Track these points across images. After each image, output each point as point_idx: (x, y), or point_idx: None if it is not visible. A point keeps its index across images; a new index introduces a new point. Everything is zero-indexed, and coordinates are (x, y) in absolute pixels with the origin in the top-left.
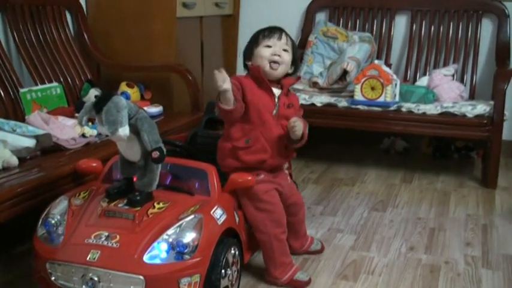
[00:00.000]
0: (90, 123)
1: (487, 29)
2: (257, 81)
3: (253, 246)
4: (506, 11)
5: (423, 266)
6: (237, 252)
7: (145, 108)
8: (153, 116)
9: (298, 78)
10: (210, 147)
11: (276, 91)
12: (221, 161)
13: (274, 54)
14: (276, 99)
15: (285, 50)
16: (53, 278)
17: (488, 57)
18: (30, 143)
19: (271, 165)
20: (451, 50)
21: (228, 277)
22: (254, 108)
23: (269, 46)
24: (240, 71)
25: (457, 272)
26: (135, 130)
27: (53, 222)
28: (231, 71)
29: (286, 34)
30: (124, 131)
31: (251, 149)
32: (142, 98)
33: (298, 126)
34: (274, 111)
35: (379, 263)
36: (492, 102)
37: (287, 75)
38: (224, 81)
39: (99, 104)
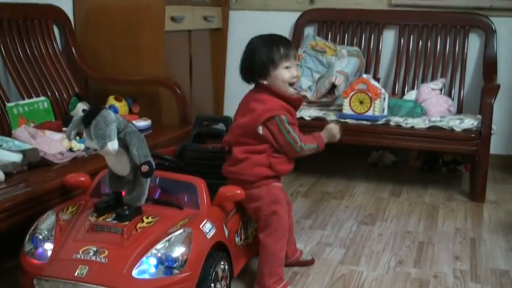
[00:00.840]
0: (78, 138)
1: (474, 44)
2: (285, 101)
3: (243, 260)
4: (493, 27)
5: (412, 280)
6: (226, 266)
7: (133, 122)
8: (141, 130)
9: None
10: (199, 161)
11: None
12: (249, 171)
13: (293, 76)
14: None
15: (297, 65)
16: None
17: (476, 71)
18: (17, 157)
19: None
20: (438, 64)
21: None
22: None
23: (288, 67)
24: (229, 84)
25: (445, 286)
26: (124, 144)
27: (40, 237)
28: (219, 84)
29: (293, 46)
30: (113, 145)
31: (283, 159)
32: (130, 111)
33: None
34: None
35: (368, 277)
36: (480, 117)
37: None
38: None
39: (88, 118)
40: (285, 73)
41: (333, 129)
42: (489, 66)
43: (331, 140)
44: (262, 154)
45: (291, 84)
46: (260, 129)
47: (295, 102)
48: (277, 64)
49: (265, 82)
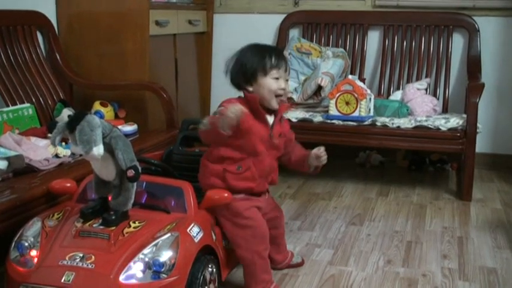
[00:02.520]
0: (63, 143)
1: (458, 43)
2: (253, 111)
3: (231, 263)
4: (476, 26)
5: (401, 279)
6: (214, 270)
7: (119, 126)
8: (127, 135)
9: (291, 105)
10: (186, 165)
11: (270, 118)
12: (205, 180)
13: (281, 88)
14: (270, 130)
15: (287, 80)
16: None
17: (460, 71)
18: (2, 164)
19: (255, 192)
20: (423, 64)
21: None
22: (249, 139)
23: (277, 78)
24: (215, 87)
25: (434, 285)
26: (109, 149)
27: (26, 244)
28: (205, 88)
29: (287, 60)
30: (98, 150)
31: (241, 175)
32: (116, 116)
33: (325, 153)
34: (268, 143)
35: (357, 277)
36: (465, 116)
37: None
38: (242, 111)
39: (73, 123)
40: (272, 83)
41: (234, 107)
42: (473, 65)
43: (228, 117)
44: (217, 163)
45: (277, 96)
46: None
47: (260, 115)
48: (266, 72)
49: (250, 89)
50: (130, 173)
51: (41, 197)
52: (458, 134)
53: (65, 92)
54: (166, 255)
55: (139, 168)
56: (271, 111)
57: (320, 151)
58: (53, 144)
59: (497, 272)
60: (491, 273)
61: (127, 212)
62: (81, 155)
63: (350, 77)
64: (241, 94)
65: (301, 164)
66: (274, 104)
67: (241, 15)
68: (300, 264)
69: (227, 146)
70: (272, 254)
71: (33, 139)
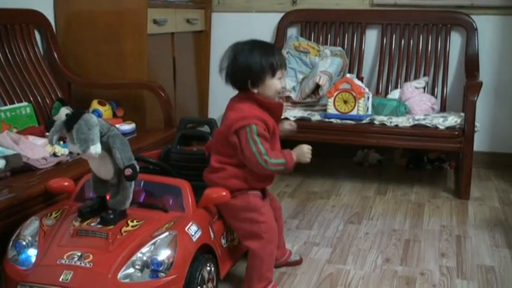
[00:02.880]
0: (61, 142)
1: (456, 42)
2: (267, 110)
3: (229, 262)
4: (474, 25)
5: (399, 277)
6: (212, 269)
7: (117, 125)
8: (125, 134)
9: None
10: (184, 164)
11: None
12: (224, 181)
13: (283, 87)
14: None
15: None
16: None
17: (458, 69)
18: (0, 163)
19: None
20: (421, 63)
21: None
22: (273, 140)
23: (280, 78)
24: (213, 86)
25: (432, 283)
26: (107, 148)
27: (24, 243)
28: (203, 87)
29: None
30: (96, 148)
31: (262, 176)
32: (114, 115)
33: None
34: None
35: (356, 275)
36: (463, 114)
37: None
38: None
39: (70, 122)
40: (278, 84)
41: (304, 149)
42: (471, 64)
43: (301, 160)
44: (238, 167)
45: (279, 94)
46: (232, 138)
47: (276, 110)
48: (274, 73)
49: (255, 91)
50: (128, 171)
51: (38, 195)
52: (456, 133)
53: (63, 90)
54: (164, 254)
55: (137, 167)
56: None
57: (293, 126)
58: (51, 143)
59: (495, 270)
60: (489, 272)
61: (125, 211)
62: (78, 154)
63: (348, 75)
64: (237, 92)
65: None
66: (278, 102)
67: (239, 14)
68: (298, 263)
69: None
70: None
71: (31, 138)
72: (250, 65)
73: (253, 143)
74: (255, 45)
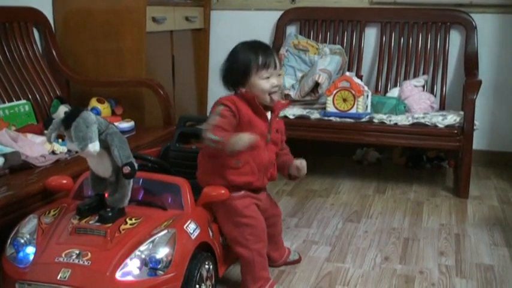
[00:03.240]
0: (60, 140)
1: (455, 40)
2: (251, 106)
3: (228, 260)
4: (474, 23)
5: (398, 276)
6: (211, 267)
7: (116, 123)
8: (124, 131)
9: (289, 102)
10: (183, 162)
11: (268, 114)
12: (204, 177)
13: (274, 86)
14: (269, 125)
15: (279, 75)
16: None
17: (457, 68)
18: None
19: (255, 187)
20: (420, 61)
21: None
22: (249, 132)
23: (267, 77)
24: (212, 84)
25: (431, 282)
26: (105, 145)
27: (22, 241)
28: (202, 85)
29: (275, 53)
30: (94, 146)
31: (240, 170)
32: (113, 113)
33: (305, 168)
34: (268, 137)
35: (355, 274)
36: (462, 113)
37: None
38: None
39: (68, 120)
40: (263, 83)
41: (245, 135)
42: (470, 62)
43: (237, 144)
44: (216, 159)
45: (271, 94)
46: None
47: (260, 112)
48: (256, 73)
49: (243, 90)
50: (126, 169)
51: (37, 193)
52: (456, 131)
53: (62, 88)
54: (163, 252)
55: (136, 165)
56: (268, 108)
57: (302, 164)
58: (49, 140)
59: (494, 269)
60: (488, 270)
61: (123, 209)
62: (77, 152)
63: (347, 73)
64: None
65: (282, 168)
66: (268, 101)
67: (238, 12)
68: (297, 261)
69: None
70: (269, 252)
71: (29, 136)
72: (233, 66)
73: (210, 117)
74: (243, 46)
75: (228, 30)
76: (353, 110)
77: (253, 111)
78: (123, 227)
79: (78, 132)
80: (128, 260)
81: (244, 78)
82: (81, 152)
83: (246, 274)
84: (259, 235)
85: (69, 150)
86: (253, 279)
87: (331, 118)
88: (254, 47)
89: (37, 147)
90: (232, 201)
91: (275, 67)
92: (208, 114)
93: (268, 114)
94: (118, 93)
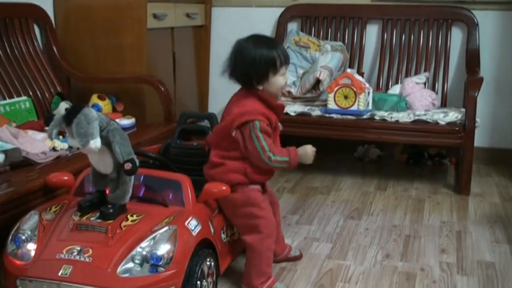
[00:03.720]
0: (61, 137)
1: (456, 37)
2: (269, 107)
3: (229, 257)
4: (475, 20)
5: (399, 273)
6: (212, 263)
7: (117, 120)
8: (125, 128)
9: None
10: (184, 158)
11: None
12: (225, 176)
13: (286, 82)
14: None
15: None
16: None
17: (459, 65)
18: None
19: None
20: (422, 58)
21: None
22: (274, 135)
23: (283, 74)
24: (213, 81)
25: (432, 279)
26: (106, 142)
27: (23, 238)
28: (203, 81)
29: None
30: (95, 143)
31: (261, 170)
32: (114, 110)
33: None
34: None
35: (356, 271)
36: (464, 110)
37: None
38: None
39: (70, 116)
40: (281, 80)
41: (308, 150)
42: (472, 59)
43: (304, 161)
44: (238, 161)
45: (283, 91)
46: (233, 133)
47: (279, 110)
48: (277, 70)
49: (260, 87)
50: (128, 166)
51: (38, 190)
52: (457, 128)
53: (62, 85)
54: (164, 249)
55: (137, 162)
56: None
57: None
58: (50, 137)
59: (495, 266)
60: (489, 267)
61: (125, 206)
62: (78, 149)
63: (349, 70)
64: (240, 87)
65: None
66: (279, 98)
67: (240, 9)
68: (298, 258)
69: None
70: None
71: (30, 132)
72: (255, 62)
73: (256, 139)
74: (259, 41)
75: (229, 27)
76: (354, 107)
77: (273, 111)
78: (124, 223)
79: (80, 128)
80: (129, 257)
81: (265, 76)
82: (83, 148)
83: (252, 267)
84: (271, 229)
85: (70, 147)
86: (258, 274)
87: (332, 115)
88: (269, 42)
89: (38, 144)
90: (252, 192)
91: (289, 63)
92: (209, 110)
93: None
94: (119, 90)
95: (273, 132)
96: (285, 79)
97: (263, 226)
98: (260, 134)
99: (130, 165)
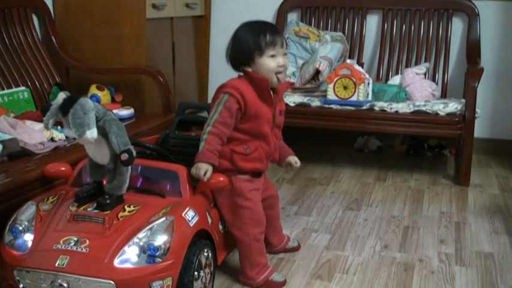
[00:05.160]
0: (59, 127)
1: (457, 27)
2: (260, 91)
3: (227, 248)
4: (476, 10)
5: (397, 264)
6: (210, 254)
7: (116, 110)
8: (124, 119)
9: (292, 83)
10: (182, 149)
11: (273, 97)
12: None
13: (279, 65)
14: (273, 109)
15: (285, 55)
16: (21, 286)
17: (459, 55)
18: None
19: (261, 172)
20: (422, 48)
21: (201, 279)
22: (256, 123)
23: (273, 56)
24: (213, 71)
25: (431, 270)
26: (103, 132)
27: (20, 228)
28: (203, 72)
29: (282, 35)
30: (92, 133)
31: (249, 156)
32: (113, 100)
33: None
34: (273, 123)
35: (354, 262)
36: (464, 100)
37: None
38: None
39: (66, 107)
40: (270, 62)
41: (201, 172)
42: (473, 49)
43: (194, 172)
44: (225, 145)
45: (277, 74)
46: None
47: (262, 86)
48: (262, 51)
49: (249, 69)
50: (124, 156)
51: (35, 180)
52: (457, 119)
53: (61, 75)
54: (161, 240)
55: (134, 152)
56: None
57: (296, 165)
58: (46, 127)
59: (494, 256)
60: (487, 258)
61: (122, 196)
62: (75, 139)
63: (348, 61)
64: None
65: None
66: (275, 81)
67: None
68: (296, 249)
69: (235, 129)
70: (268, 236)
71: (28, 123)
72: (240, 45)
73: (215, 107)
74: (247, 26)
75: (229, 17)
76: (354, 98)
77: (259, 96)
78: (121, 214)
79: (76, 118)
80: (126, 247)
81: (251, 57)
82: (79, 139)
83: (244, 259)
84: (257, 220)
85: (67, 137)
86: (251, 265)
87: (331, 106)
88: (261, 25)
89: (36, 134)
90: (238, 182)
91: (282, 45)
92: (209, 101)
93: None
94: (118, 80)
95: (253, 116)
96: (276, 62)
97: (248, 217)
98: (220, 107)
99: (127, 155)
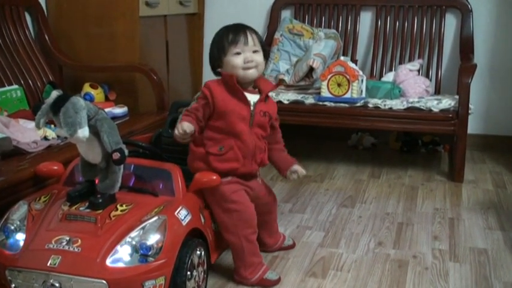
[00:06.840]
0: (52, 126)
1: (450, 24)
2: (230, 89)
3: (221, 246)
4: (469, 6)
5: (391, 261)
6: (203, 253)
7: (109, 109)
8: (118, 117)
9: (279, 84)
10: (175, 148)
11: (253, 97)
12: (191, 163)
13: (247, 61)
14: (252, 107)
15: (255, 51)
16: (13, 286)
17: (453, 51)
18: None
19: (242, 173)
20: (416, 45)
21: (195, 278)
22: (227, 119)
23: (238, 53)
24: (207, 69)
25: (425, 266)
26: (94, 131)
27: (12, 227)
28: (197, 70)
29: (251, 31)
30: (83, 132)
31: (223, 156)
32: (106, 99)
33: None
34: (250, 121)
35: (348, 259)
36: (457, 97)
37: None
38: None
39: (57, 105)
40: (234, 59)
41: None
42: (466, 46)
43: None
44: (200, 147)
45: (246, 69)
46: None
47: (228, 80)
48: (226, 51)
49: (220, 70)
50: (116, 155)
51: (28, 179)
52: (450, 115)
53: (54, 73)
54: (153, 239)
55: (126, 151)
56: (255, 89)
57: (302, 174)
58: (37, 126)
59: (487, 252)
60: (481, 254)
61: (114, 195)
62: (66, 138)
63: (342, 58)
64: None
65: (281, 169)
66: (247, 76)
67: None
68: (291, 247)
69: (208, 127)
70: (264, 238)
71: (21, 121)
72: (211, 50)
73: (192, 103)
74: (218, 31)
75: (223, 15)
76: (348, 95)
77: (231, 92)
78: (113, 213)
79: (67, 117)
80: (118, 247)
81: (219, 58)
82: (70, 138)
83: (237, 260)
84: (247, 221)
85: (58, 136)
86: (244, 266)
87: (325, 103)
88: (228, 27)
89: (29, 133)
90: (220, 186)
91: (246, 43)
92: None
93: (254, 97)
94: (111, 79)
95: (222, 114)
96: (241, 58)
97: (237, 219)
98: (193, 101)
99: (119, 154)
